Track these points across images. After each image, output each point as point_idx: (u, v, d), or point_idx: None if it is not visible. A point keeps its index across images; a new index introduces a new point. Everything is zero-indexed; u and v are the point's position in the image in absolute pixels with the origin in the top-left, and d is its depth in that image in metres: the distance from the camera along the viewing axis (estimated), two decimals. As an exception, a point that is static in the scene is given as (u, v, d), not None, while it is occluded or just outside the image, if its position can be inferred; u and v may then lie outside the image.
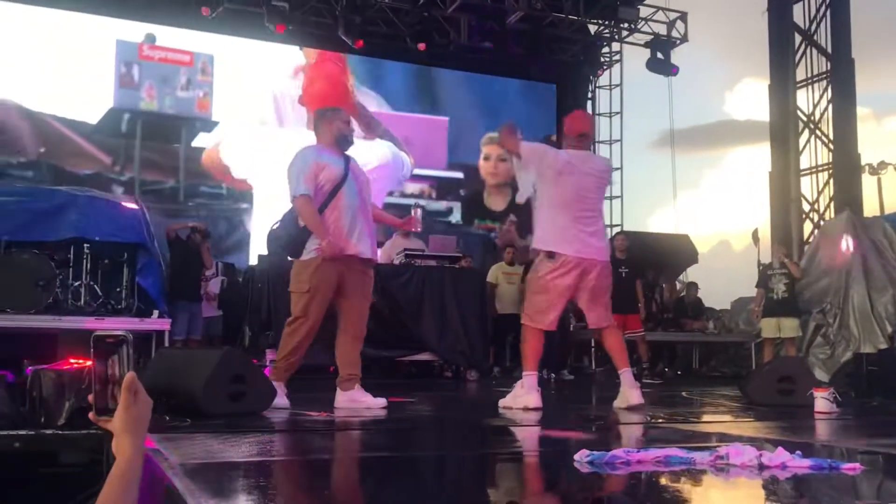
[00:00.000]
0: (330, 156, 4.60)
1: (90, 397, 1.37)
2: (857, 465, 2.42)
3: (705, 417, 4.84)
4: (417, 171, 13.58)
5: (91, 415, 1.37)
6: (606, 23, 14.10)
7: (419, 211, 5.03)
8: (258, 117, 12.76)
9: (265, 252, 7.40)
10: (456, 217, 13.97)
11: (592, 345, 10.28)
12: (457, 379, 8.68)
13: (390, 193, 13.36)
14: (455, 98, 14.11)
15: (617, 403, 4.74)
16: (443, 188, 13.87)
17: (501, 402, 4.68)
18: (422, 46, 12.00)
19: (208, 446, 2.90)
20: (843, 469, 2.35)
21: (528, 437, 3.91)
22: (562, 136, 4.99)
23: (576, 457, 2.48)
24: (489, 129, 13.92)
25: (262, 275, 7.87)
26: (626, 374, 4.77)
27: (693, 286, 11.50)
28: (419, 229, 5.23)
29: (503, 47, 12.71)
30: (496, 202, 14.05)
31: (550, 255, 4.67)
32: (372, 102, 13.41)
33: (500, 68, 14.07)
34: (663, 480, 2.34)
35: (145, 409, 1.36)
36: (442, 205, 13.88)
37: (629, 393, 4.69)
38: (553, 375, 9.23)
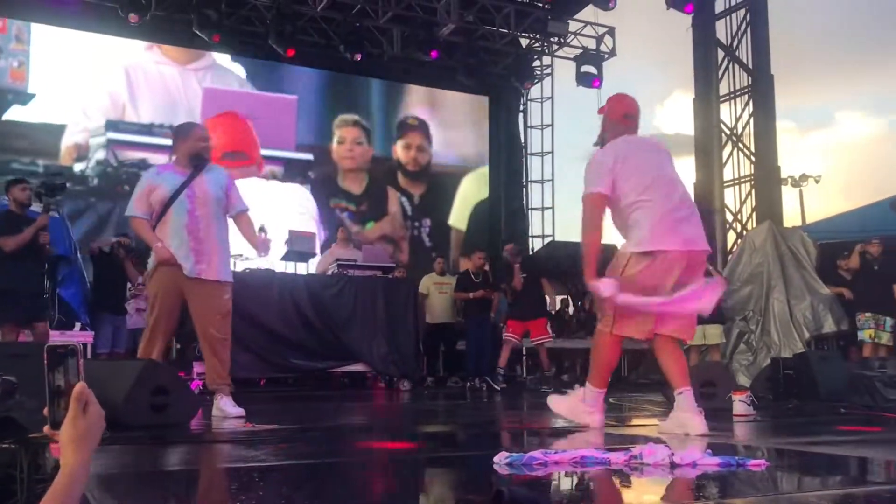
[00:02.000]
0: (170, 175, 4.77)
1: (45, 410, 1.35)
2: (763, 461, 2.52)
3: (631, 421, 4.94)
4: (265, 152, 13.05)
5: (46, 428, 1.35)
6: (537, 37, 14.35)
7: (264, 235, 4.95)
8: (107, 93, 12.00)
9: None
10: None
11: (524, 353, 10.39)
12: (390, 389, 8.68)
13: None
14: (304, 79, 13.69)
15: (668, 427, 3.80)
16: (291, 170, 13.39)
17: (554, 404, 4.07)
18: (358, 57, 12.00)
19: (124, 457, 2.85)
20: (750, 466, 2.45)
21: (453, 439, 3.94)
22: (604, 125, 4.15)
23: (495, 459, 2.52)
24: (339, 111, 13.82)
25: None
26: (687, 396, 3.80)
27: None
28: (266, 253, 5.14)
29: (436, 58, 12.79)
30: (352, 185, 13.92)
31: (647, 253, 3.79)
32: (233, 80, 13.05)
33: (434, 80, 14.17)
34: (577, 480, 2.39)
35: (96, 419, 1.32)
36: (293, 186, 13.39)
37: (690, 419, 3.72)
38: (485, 384, 9.29)
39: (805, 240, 10.29)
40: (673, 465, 2.44)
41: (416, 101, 14.65)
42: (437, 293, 10.22)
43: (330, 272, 8.99)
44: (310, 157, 13.58)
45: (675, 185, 3.96)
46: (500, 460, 2.50)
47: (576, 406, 4.02)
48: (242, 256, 7.98)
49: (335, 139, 13.84)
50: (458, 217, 14.78)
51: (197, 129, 4.94)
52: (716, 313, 9.23)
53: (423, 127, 14.63)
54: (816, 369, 5.51)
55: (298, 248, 8.87)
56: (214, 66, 12.92)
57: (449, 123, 14.85)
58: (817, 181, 17.96)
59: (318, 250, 9.42)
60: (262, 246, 4.93)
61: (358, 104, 14.14)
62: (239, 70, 13.12)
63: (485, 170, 15.15)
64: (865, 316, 8.66)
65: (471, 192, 14.94)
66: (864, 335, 8.56)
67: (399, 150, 14.42)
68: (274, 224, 5.43)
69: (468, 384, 9.30)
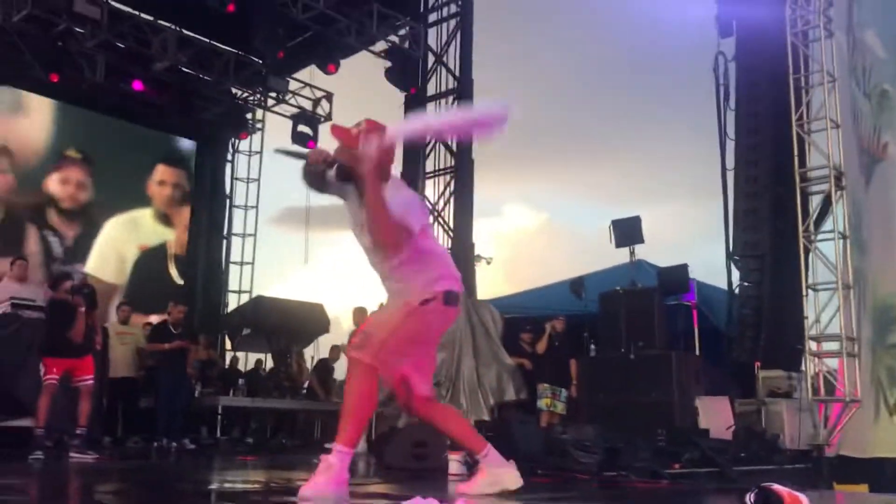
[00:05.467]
0: None
1: None
2: None
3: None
4: None
5: None
6: (254, 90, 14.19)
7: None
8: None
9: None
10: None
11: (219, 412, 9.85)
12: (58, 448, 7.69)
13: None
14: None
15: (481, 489, 3.43)
16: None
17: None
18: (54, 77, 10.90)
19: None
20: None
21: None
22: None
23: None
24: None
25: None
26: (494, 453, 3.50)
27: (337, 349, 11.52)
28: None
29: (145, 94, 12.08)
30: None
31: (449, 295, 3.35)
32: None
33: (140, 116, 13.30)
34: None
35: None
36: None
37: (506, 474, 3.48)
38: (174, 444, 8.63)
39: (493, 312, 11.08)
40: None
41: (83, 131, 13.20)
42: (119, 344, 9.39)
43: (1, 310, 7.88)
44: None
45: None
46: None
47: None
48: None
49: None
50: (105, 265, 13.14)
51: None
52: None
53: (86, 162, 13.09)
54: (516, 433, 5.88)
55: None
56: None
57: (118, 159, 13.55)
58: (489, 262, 19.44)
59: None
60: None
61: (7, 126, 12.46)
62: None
63: (139, 213, 13.95)
64: (544, 386, 9.49)
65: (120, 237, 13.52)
66: (542, 404, 9.37)
67: (53, 185, 12.80)
68: None
69: (155, 444, 8.56)
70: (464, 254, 12.94)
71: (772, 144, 10.03)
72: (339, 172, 3.29)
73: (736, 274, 10.36)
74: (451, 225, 13.09)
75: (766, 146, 10.14)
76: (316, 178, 3.36)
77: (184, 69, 12.75)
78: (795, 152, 9.02)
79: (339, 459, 3.12)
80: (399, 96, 13.17)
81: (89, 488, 4.35)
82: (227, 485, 4.65)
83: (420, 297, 3.28)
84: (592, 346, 9.68)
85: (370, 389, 3.20)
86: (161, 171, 14.17)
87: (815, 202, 9.09)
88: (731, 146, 10.55)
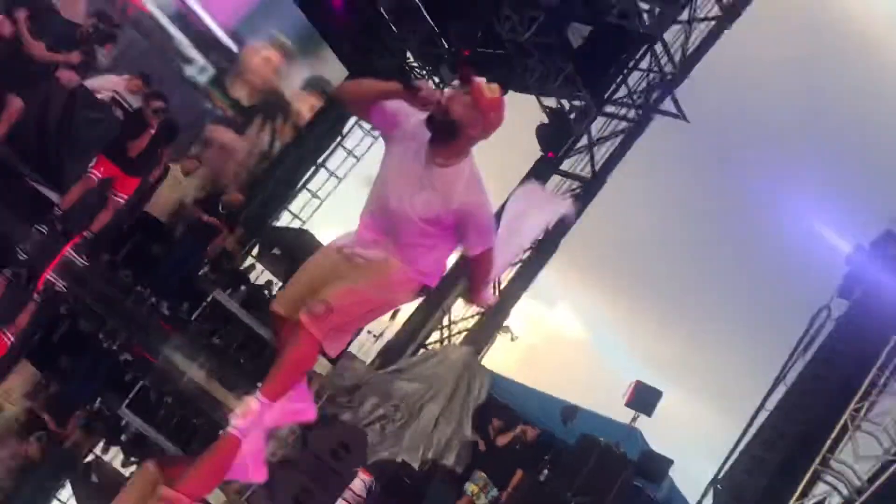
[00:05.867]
0: None
1: None
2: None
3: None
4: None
5: None
6: (423, 66, 14.47)
7: None
8: None
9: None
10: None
11: (207, 300, 9.90)
12: (62, 236, 7.84)
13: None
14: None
15: None
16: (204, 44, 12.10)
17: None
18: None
19: None
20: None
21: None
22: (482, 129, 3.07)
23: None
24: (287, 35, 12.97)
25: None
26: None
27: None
28: None
29: (339, 11, 12.40)
30: (245, 96, 12.92)
31: None
32: None
33: (318, 24, 13.63)
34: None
35: None
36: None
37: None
38: (154, 300, 8.72)
39: (483, 384, 10.94)
40: None
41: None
42: (170, 189, 9.52)
43: (101, 96, 8.14)
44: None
45: None
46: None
47: None
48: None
49: (261, 52, 12.95)
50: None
51: None
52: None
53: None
54: (430, 493, 5.80)
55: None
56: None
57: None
58: (513, 339, 18.81)
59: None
60: None
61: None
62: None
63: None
64: (480, 475, 9.33)
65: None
66: (469, 489, 9.19)
67: (301, 104, 14.02)
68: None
69: (138, 288, 8.67)
70: (495, 317, 12.88)
71: (821, 415, 9.74)
72: (438, 123, 2.93)
73: (709, 501, 10.08)
74: (500, 287, 13.05)
75: (810, 413, 9.87)
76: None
77: (383, 12, 13.00)
78: (833, 435, 8.79)
79: (261, 408, 3.03)
80: (534, 152, 13.24)
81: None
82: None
83: (410, 289, 3.16)
84: (546, 472, 9.49)
85: (309, 357, 3.07)
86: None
87: (821, 490, 8.83)
88: (780, 390, 10.31)
